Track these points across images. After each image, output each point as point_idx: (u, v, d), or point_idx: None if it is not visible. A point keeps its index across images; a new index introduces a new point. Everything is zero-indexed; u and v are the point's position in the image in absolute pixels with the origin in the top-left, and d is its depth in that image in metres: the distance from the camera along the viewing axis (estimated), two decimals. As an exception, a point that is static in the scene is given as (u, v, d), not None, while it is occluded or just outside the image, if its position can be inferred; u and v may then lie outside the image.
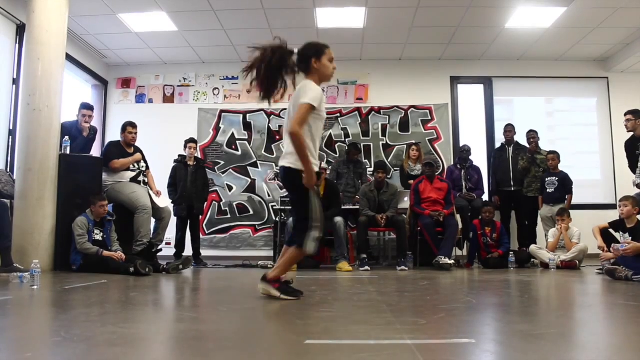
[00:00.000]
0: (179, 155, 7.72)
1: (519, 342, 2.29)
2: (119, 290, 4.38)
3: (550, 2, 7.34)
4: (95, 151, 7.30)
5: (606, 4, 7.33)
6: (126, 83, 9.67)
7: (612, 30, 8.19)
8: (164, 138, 8.89)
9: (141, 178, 6.73)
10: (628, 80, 9.32)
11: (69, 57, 7.62)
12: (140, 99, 9.61)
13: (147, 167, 6.91)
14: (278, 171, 8.89)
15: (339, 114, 9.38)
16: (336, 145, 9.22)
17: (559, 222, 7.18)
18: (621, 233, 6.02)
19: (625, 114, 7.15)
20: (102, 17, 7.69)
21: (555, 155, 7.90)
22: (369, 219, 7.05)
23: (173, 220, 7.14)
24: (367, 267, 6.58)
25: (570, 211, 7.36)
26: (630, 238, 5.65)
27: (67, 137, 6.25)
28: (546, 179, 7.84)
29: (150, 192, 6.71)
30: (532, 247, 7.27)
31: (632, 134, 7.05)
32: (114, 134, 8.33)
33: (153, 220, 6.64)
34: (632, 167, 6.93)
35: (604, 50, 9.08)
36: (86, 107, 6.69)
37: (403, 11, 7.61)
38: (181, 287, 5.05)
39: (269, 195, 9.18)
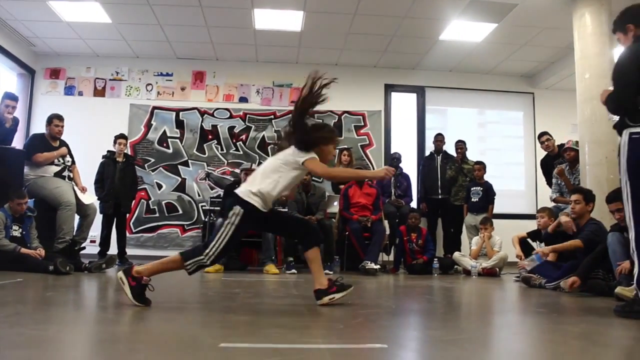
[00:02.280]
0: (108, 151, 7.52)
1: (429, 348, 2.36)
2: (34, 290, 4.22)
3: (482, 17, 7.60)
4: (17, 143, 7.00)
5: (533, 23, 7.67)
6: (55, 74, 9.34)
7: (538, 48, 8.57)
8: (92, 133, 8.64)
9: (66, 173, 6.50)
10: (551, 97, 9.76)
11: (-8, 44, 7.32)
12: (69, 90, 9.30)
13: (73, 162, 6.68)
14: (209, 171, 8.91)
15: (273, 116, 9.37)
16: (269, 148, 9.20)
17: (482, 230, 7.44)
18: (538, 242, 6.30)
19: (543, 135, 7.57)
20: (30, 3, 7.37)
21: (481, 166, 8.18)
22: (298, 222, 7.07)
23: (98, 218, 6.95)
24: (293, 270, 6.59)
25: (494, 220, 7.64)
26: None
27: (-14, 128, 5.99)
28: (471, 189, 8.11)
29: (75, 188, 6.50)
30: (456, 254, 7.50)
31: (545, 153, 7.50)
32: (39, 126, 8.03)
33: (77, 217, 6.44)
34: (550, 184, 7.32)
35: (531, 67, 9.47)
36: (10, 97, 6.41)
37: (341, 17, 7.69)
38: (102, 286, 4.92)
39: (199, 195, 9.07)
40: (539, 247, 6.27)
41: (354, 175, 3.70)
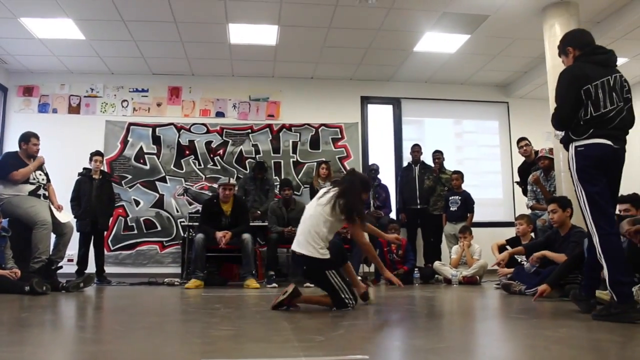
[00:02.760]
0: (84, 169, 7.45)
1: (411, 358, 2.37)
2: (9, 311, 4.15)
3: (455, 29, 7.70)
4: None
5: (505, 34, 7.79)
6: (28, 91, 9.23)
7: (511, 58, 8.71)
8: (68, 150, 8.54)
9: (41, 192, 6.40)
10: (526, 106, 9.90)
11: (-37, 62, 7.22)
12: (43, 108, 9.20)
13: (48, 180, 6.59)
14: (187, 187, 8.86)
15: (250, 130, 9.36)
16: (246, 162, 9.18)
17: (461, 239, 7.50)
18: (523, 258, 6.27)
19: (522, 140, 7.68)
20: (1, 20, 7.28)
21: (459, 175, 8.26)
22: (279, 235, 7.05)
23: (75, 236, 6.85)
24: (274, 284, 6.57)
25: (472, 228, 7.70)
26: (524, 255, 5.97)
27: (-42, 147, 5.89)
28: (450, 198, 8.18)
29: (51, 207, 6.42)
30: (436, 263, 7.54)
31: (524, 159, 7.61)
32: (12, 145, 7.92)
33: (53, 236, 6.34)
34: (525, 191, 7.42)
35: (505, 76, 9.61)
36: (-18, 115, 6.33)
37: (315, 31, 7.73)
38: (81, 306, 4.85)
39: (177, 211, 9.00)
40: (523, 261, 6.27)
41: (377, 234, 5.03)
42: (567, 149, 3.67)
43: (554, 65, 6.67)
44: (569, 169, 3.65)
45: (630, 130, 3.64)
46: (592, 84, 3.54)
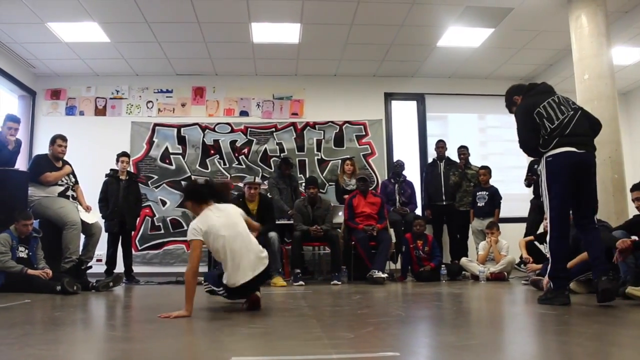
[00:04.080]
0: (111, 170, 7.53)
1: (442, 354, 2.35)
2: (43, 310, 4.22)
3: (479, 23, 7.62)
4: (20, 165, 7.01)
5: (530, 27, 7.69)
6: (56, 94, 9.38)
7: (536, 51, 8.59)
8: (95, 152, 8.65)
9: (70, 193, 6.51)
10: (552, 99, 9.75)
11: (-7, 67, 7.36)
12: (70, 111, 9.33)
13: (76, 182, 6.70)
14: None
15: (274, 129, 9.38)
16: (271, 160, 9.20)
17: (489, 235, 7.43)
18: (545, 244, 6.25)
19: None
20: (29, 26, 7.42)
21: (486, 171, 8.17)
22: (303, 233, 7.06)
23: (104, 236, 6.95)
24: (301, 282, 6.58)
25: (500, 224, 7.62)
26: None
27: (-11, 150, 5.99)
28: (477, 194, 8.09)
29: (80, 207, 6.51)
30: (463, 259, 7.48)
31: None
32: (41, 147, 8.04)
33: (83, 237, 6.44)
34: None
35: (530, 70, 9.49)
36: (12, 119, 6.42)
37: (338, 28, 7.72)
38: (110, 305, 4.91)
39: (203, 210, 9.03)
40: (545, 249, 6.22)
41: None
42: (540, 163, 4.26)
43: (581, 57, 6.57)
44: (539, 181, 4.31)
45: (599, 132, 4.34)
46: (540, 106, 4.16)
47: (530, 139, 4.20)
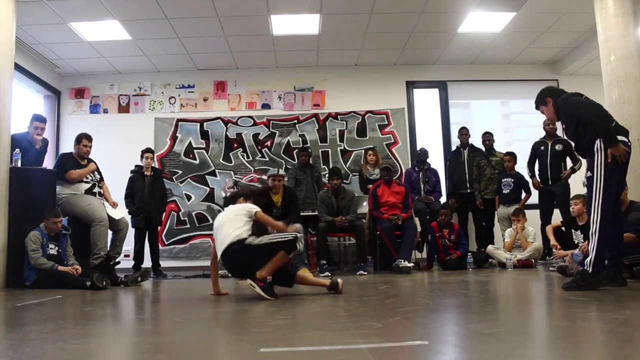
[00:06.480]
0: (136, 166, 7.60)
1: (471, 342, 2.33)
2: (74, 305, 4.28)
3: (500, 7, 7.50)
4: (47, 164, 7.11)
5: (552, 9, 7.55)
6: (80, 93, 9.49)
7: (559, 34, 8.43)
8: (119, 148, 8.75)
9: (96, 189, 6.59)
10: (577, 82, 9.51)
11: (18, 68, 7.46)
12: (94, 109, 9.44)
13: (102, 179, 6.78)
14: (236, 179, 8.95)
15: (296, 121, 9.39)
16: (294, 152, 9.19)
17: (515, 222, 7.35)
18: (573, 231, 6.18)
19: None
20: (52, 26, 7.52)
21: (511, 157, 8.07)
22: (328, 224, 7.06)
23: (131, 232, 7.02)
24: (327, 273, 6.58)
25: (525, 211, 7.53)
26: (582, 235, 5.81)
27: (17, 150, 6.06)
28: (502, 180, 7.99)
29: (106, 204, 6.60)
30: (489, 247, 7.42)
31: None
32: (67, 146, 8.16)
33: (110, 233, 6.52)
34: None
35: (554, 53, 9.33)
36: (38, 119, 6.51)
37: (357, 17, 7.67)
38: (139, 299, 4.98)
39: (228, 204, 9.09)
40: (574, 235, 6.15)
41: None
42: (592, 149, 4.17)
43: (606, 38, 6.43)
44: (595, 163, 4.11)
45: None
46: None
47: (609, 116, 4.21)
